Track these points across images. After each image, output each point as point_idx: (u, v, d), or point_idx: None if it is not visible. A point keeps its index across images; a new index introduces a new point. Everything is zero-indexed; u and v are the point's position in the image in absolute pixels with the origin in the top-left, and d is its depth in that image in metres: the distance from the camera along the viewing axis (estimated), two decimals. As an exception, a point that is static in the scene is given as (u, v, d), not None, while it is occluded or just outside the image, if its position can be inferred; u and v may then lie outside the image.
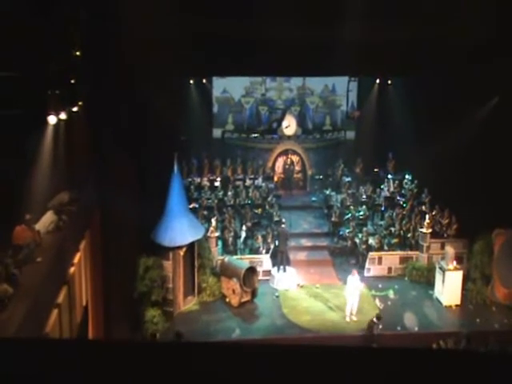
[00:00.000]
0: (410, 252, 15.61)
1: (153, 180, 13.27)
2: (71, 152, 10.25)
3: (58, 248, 9.00)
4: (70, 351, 1.98)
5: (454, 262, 14.18)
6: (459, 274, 14.05)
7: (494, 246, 14.41)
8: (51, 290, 8.49)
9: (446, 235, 15.80)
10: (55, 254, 8.78)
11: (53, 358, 1.90)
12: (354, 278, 13.30)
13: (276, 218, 16.23)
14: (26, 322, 6.81)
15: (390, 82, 19.67)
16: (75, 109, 10.29)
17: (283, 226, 15.52)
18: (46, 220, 9.23)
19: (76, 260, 9.92)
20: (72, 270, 9.62)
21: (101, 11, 10.37)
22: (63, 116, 9.54)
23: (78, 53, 10.07)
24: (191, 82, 18.89)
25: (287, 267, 15.09)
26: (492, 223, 14.15)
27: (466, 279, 14.24)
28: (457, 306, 13.96)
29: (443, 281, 14.04)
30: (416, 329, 12.84)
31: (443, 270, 14.07)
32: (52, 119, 9.13)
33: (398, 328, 12.78)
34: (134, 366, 1.87)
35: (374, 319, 12.21)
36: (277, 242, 15.25)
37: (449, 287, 13.97)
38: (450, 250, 14.41)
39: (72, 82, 9.93)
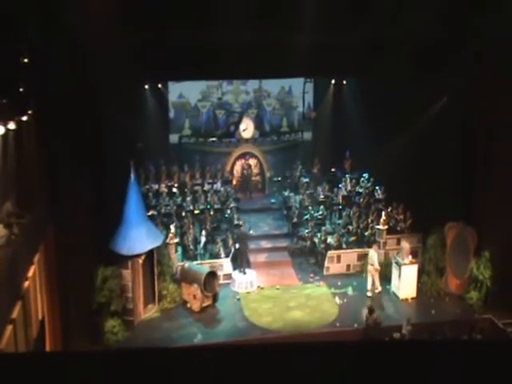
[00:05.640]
0: (367, 249, 15.95)
1: (109, 189, 13.12)
2: (21, 163, 10.00)
3: (11, 262, 8.77)
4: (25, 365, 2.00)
5: (410, 257, 14.63)
6: (414, 268, 14.51)
7: (447, 239, 14.94)
8: (5, 306, 8.29)
9: (400, 229, 16.24)
10: (8, 268, 8.56)
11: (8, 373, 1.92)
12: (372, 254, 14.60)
13: (235, 222, 16.31)
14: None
15: (344, 82, 20.05)
16: (25, 118, 10.04)
17: (242, 228, 15.65)
18: (-3, 234, 8.98)
19: (30, 274, 9.68)
20: (26, 284, 9.38)
21: (50, 17, 10.18)
22: (12, 126, 9.29)
23: (26, 60, 9.85)
24: (146, 87, 18.68)
25: (247, 269, 15.21)
26: (445, 217, 14.69)
27: (420, 272, 14.72)
28: (413, 298, 14.42)
29: (399, 275, 14.47)
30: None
31: (399, 265, 14.49)
32: (-1, 129, 8.88)
33: (355, 325, 13.08)
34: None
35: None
36: (237, 245, 15.35)
37: (405, 281, 14.41)
38: (405, 245, 14.85)
39: (20, 90, 9.70)
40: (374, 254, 14.71)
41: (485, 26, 11.73)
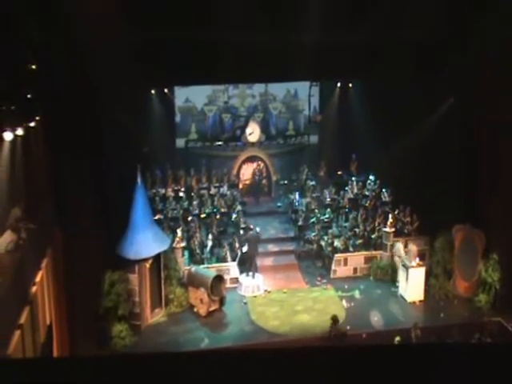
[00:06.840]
0: (374, 252, 15.94)
1: (116, 193, 13.17)
2: (29, 168, 10.06)
3: (19, 267, 8.83)
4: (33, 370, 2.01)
5: (417, 259, 14.56)
6: (422, 271, 14.44)
7: (455, 242, 14.86)
8: (13, 311, 8.33)
9: (407, 232, 16.16)
10: (16, 273, 8.61)
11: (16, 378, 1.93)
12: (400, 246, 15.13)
13: (242, 225, 16.30)
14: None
15: (350, 85, 20.03)
16: (33, 124, 10.11)
17: (251, 231, 15.63)
18: (5, 240, 9.03)
19: (38, 279, 9.73)
20: (34, 289, 9.43)
21: (56, 23, 10.25)
22: (20, 132, 9.36)
23: (33, 66, 9.92)
24: (153, 92, 18.76)
25: (255, 273, 15.18)
26: (452, 219, 14.61)
27: (428, 275, 14.64)
28: (420, 301, 14.35)
29: (407, 278, 14.39)
30: (382, 326, 13.10)
31: (407, 268, 14.42)
32: (8, 136, 8.94)
33: (365, 328, 13.01)
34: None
35: (331, 324, 12.48)
36: (244, 249, 15.33)
37: (412, 284, 14.34)
38: (412, 247, 14.80)
39: (28, 96, 9.77)
40: (400, 246, 14.98)
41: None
